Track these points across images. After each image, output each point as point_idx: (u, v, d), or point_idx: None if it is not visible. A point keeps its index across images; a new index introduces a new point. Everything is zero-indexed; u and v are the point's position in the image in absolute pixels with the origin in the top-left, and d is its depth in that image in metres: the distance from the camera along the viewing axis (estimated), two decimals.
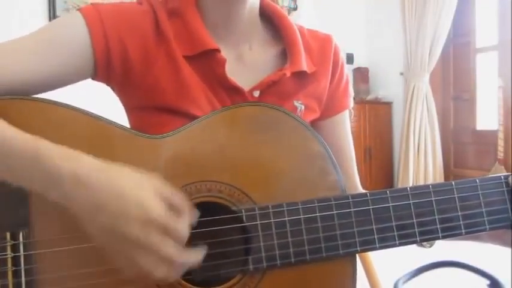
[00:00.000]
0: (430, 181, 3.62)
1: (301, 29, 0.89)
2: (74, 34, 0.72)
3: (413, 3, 3.64)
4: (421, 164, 3.63)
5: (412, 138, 3.63)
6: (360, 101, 3.87)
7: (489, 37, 3.51)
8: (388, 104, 4.07)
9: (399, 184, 3.71)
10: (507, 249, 2.05)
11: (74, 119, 0.67)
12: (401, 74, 3.81)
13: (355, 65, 4.00)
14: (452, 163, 3.80)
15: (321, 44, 0.89)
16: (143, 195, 0.58)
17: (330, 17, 3.83)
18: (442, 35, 3.53)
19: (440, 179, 3.66)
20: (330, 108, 0.90)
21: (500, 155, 3.19)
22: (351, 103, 0.94)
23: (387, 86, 4.08)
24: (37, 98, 0.67)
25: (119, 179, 0.59)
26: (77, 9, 0.74)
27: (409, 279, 2.18)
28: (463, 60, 3.69)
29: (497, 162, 3.22)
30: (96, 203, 0.57)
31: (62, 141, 0.65)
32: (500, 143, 3.18)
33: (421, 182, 3.62)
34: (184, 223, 0.60)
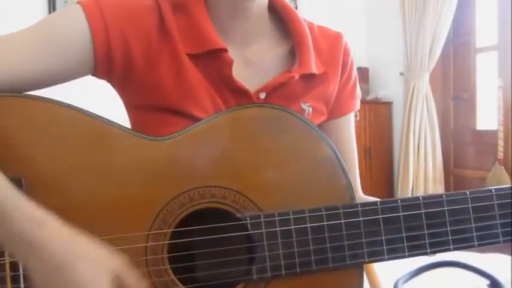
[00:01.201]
0: (430, 181, 3.61)
1: (311, 26, 0.85)
2: (74, 28, 0.70)
3: (413, 3, 3.63)
4: (421, 164, 3.62)
5: (412, 138, 3.63)
6: (360, 101, 3.85)
7: (489, 37, 3.50)
8: (388, 104, 4.06)
9: (399, 184, 3.70)
10: (505, 256, 2.05)
11: (73, 118, 0.65)
12: (401, 74, 3.80)
13: (355, 65, 3.98)
14: (452, 163, 3.79)
15: (331, 43, 0.86)
16: (98, 285, 0.55)
17: (330, 16, 3.82)
18: (442, 35, 3.52)
19: (440, 179, 3.66)
20: (335, 110, 0.87)
21: (500, 155, 3.18)
22: (357, 105, 0.90)
23: (387, 86, 4.07)
24: (35, 95, 0.66)
25: (79, 260, 0.56)
26: (77, 2, 0.72)
27: (409, 279, 2.17)
28: (463, 60, 3.68)
29: (497, 162, 3.22)
30: (49, 279, 0.55)
31: (60, 140, 0.64)
32: (500, 143, 3.17)
33: (421, 182, 3.61)
34: None
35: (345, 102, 0.88)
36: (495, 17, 3.42)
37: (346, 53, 0.87)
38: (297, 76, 0.78)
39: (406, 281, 2.30)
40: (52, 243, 0.56)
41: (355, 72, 0.90)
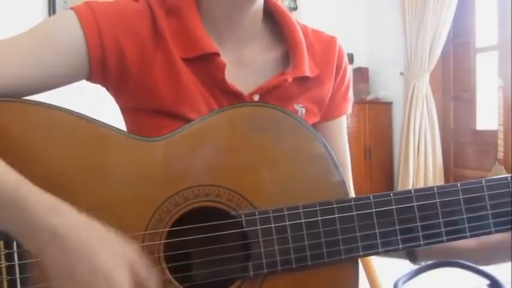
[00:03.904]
0: (430, 181, 3.61)
1: (305, 29, 0.85)
2: (68, 35, 0.70)
3: (413, 3, 3.63)
4: (421, 164, 3.63)
5: (412, 138, 3.63)
6: (360, 101, 3.86)
7: (489, 37, 3.50)
8: (388, 104, 4.06)
9: (399, 184, 3.70)
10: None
11: (66, 121, 0.65)
12: (402, 74, 3.80)
13: (355, 65, 3.99)
14: (452, 163, 3.79)
15: (325, 46, 0.86)
16: (117, 273, 0.56)
17: (330, 16, 3.82)
18: (442, 35, 3.52)
19: (440, 179, 3.66)
20: (328, 112, 0.88)
21: (500, 155, 3.18)
22: (349, 109, 0.90)
23: (387, 86, 4.07)
24: (29, 100, 0.66)
25: (101, 247, 0.57)
26: (71, 8, 0.72)
27: (409, 279, 2.17)
28: (463, 60, 3.69)
29: (497, 162, 3.22)
30: (68, 267, 0.56)
31: (54, 144, 0.64)
32: (500, 143, 3.17)
33: (421, 182, 3.62)
34: None
35: (338, 105, 0.89)
36: (495, 17, 3.42)
37: (340, 56, 0.87)
38: (290, 79, 0.79)
39: (406, 281, 2.29)
40: (73, 229, 0.57)
41: (348, 75, 0.90)
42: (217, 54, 0.75)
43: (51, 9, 3.20)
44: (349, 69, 0.92)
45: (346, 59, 0.89)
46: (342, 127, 0.90)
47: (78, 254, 0.56)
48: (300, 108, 0.82)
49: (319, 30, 0.88)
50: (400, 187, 3.68)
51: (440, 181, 3.65)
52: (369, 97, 4.03)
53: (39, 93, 0.71)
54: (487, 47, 3.54)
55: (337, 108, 0.88)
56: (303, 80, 0.81)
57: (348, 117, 0.91)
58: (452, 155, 3.78)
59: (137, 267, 0.58)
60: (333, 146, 0.84)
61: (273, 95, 0.79)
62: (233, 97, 0.77)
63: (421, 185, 3.61)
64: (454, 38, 3.69)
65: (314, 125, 0.86)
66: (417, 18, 3.61)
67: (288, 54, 0.82)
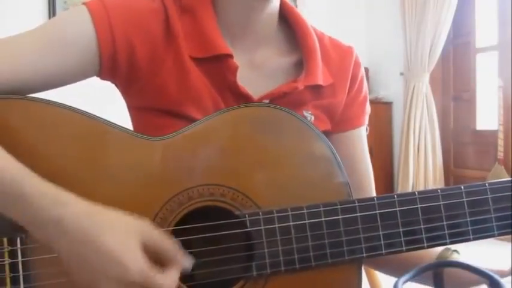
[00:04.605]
0: (430, 181, 3.62)
1: (321, 36, 0.84)
2: (80, 31, 0.70)
3: (413, 3, 3.64)
4: (421, 164, 3.63)
5: (412, 138, 3.63)
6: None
7: (489, 37, 3.51)
8: (388, 104, 4.06)
9: (399, 184, 3.70)
10: (503, 243, 2.04)
11: (68, 118, 0.65)
12: (402, 74, 3.81)
13: None
14: (452, 163, 3.79)
15: (342, 55, 0.84)
16: (125, 251, 0.56)
17: (330, 16, 3.83)
18: (442, 35, 3.53)
19: (440, 179, 3.66)
20: (343, 123, 0.85)
21: (500, 155, 3.19)
22: (366, 120, 0.88)
23: (387, 86, 4.07)
24: (32, 97, 0.66)
25: (104, 231, 0.57)
26: (83, 3, 0.71)
27: (409, 279, 2.17)
28: (463, 60, 3.69)
29: (497, 162, 3.23)
30: (78, 255, 0.57)
31: (57, 142, 0.64)
32: (500, 143, 3.18)
33: (421, 182, 3.62)
34: (170, 276, 0.58)
35: (355, 116, 0.87)
36: (495, 17, 3.43)
37: (357, 66, 0.85)
38: (301, 87, 0.78)
39: (406, 281, 2.29)
40: (76, 219, 0.57)
41: (365, 87, 0.88)
42: (230, 56, 0.74)
43: (51, 9, 3.20)
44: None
45: (362, 70, 0.87)
46: (360, 139, 0.87)
47: (87, 242, 0.56)
48: (309, 115, 0.80)
49: (336, 38, 0.87)
50: (400, 187, 3.68)
51: (440, 181, 3.65)
52: (369, 97, 4.02)
53: (49, 89, 0.71)
54: (487, 47, 3.55)
55: (353, 119, 0.86)
56: (315, 88, 0.80)
57: (366, 129, 0.89)
58: (452, 155, 3.79)
59: (149, 240, 0.58)
60: (351, 158, 0.83)
61: (283, 101, 0.77)
62: (243, 100, 0.76)
63: (421, 185, 3.61)
64: (454, 38, 3.70)
65: (329, 136, 0.83)
66: (417, 18, 3.61)
67: (302, 61, 0.81)
